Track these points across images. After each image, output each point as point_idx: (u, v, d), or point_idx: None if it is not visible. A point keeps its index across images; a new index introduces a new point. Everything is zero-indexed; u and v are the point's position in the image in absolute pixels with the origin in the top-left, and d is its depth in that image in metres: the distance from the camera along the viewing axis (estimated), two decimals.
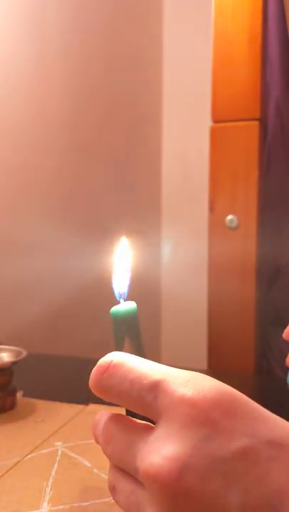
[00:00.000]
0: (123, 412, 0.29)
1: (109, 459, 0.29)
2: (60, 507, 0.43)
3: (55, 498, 0.44)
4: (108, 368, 0.27)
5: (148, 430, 0.26)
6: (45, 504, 0.43)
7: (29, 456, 0.52)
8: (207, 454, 0.23)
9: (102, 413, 0.31)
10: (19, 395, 0.67)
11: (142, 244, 1.69)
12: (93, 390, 0.28)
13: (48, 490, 0.45)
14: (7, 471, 0.48)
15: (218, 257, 1.24)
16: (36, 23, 1.11)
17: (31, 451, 0.52)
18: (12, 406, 0.64)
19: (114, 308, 0.31)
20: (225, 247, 1.23)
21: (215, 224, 1.24)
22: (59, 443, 0.54)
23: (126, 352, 0.30)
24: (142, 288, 1.65)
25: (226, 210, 1.22)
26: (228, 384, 0.27)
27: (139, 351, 0.31)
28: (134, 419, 0.28)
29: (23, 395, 0.68)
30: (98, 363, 0.28)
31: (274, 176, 1.39)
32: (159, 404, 0.25)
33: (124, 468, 0.27)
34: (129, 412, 0.29)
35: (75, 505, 0.43)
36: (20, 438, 0.56)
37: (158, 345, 1.78)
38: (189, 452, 0.23)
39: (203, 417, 0.24)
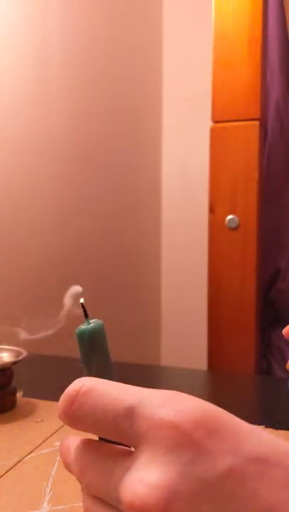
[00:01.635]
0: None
1: (86, 489, 0.26)
2: (60, 507, 0.43)
3: (55, 498, 0.44)
4: (77, 396, 0.25)
5: (127, 456, 0.25)
6: (45, 504, 0.43)
7: (29, 456, 0.52)
8: (193, 478, 0.22)
9: (70, 438, 0.29)
10: (19, 395, 0.67)
11: (141, 243, 1.70)
12: (63, 421, 0.26)
13: (48, 490, 0.45)
14: (7, 471, 0.49)
15: (218, 257, 1.24)
16: (37, 28, 1.11)
17: (31, 451, 0.53)
18: (12, 406, 0.64)
19: (80, 328, 0.29)
20: (225, 247, 1.23)
21: (215, 224, 1.24)
22: (59, 443, 0.54)
23: (94, 372, 0.28)
24: (142, 288, 1.66)
25: (226, 211, 1.22)
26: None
27: (108, 371, 0.29)
28: (109, 443, 0.26)
29: (23, 395, 0.68)
30: (66, 392, 0.26)
31: (274, 176, 1.39)
32: (137, 430, 0.24)
33: (104, 499, 0.25)
34: (102, 438, 0.27)
35: (75, 505, 0.43)
36: (20, 438, 0.56)
37: (158, 346, 1.78)
38: (175, 479, 0.22)
39: (186, 440, 0.22)
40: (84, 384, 0.26)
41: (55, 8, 1.17)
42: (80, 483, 0.27)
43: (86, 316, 0.30)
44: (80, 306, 0.31)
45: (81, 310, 0.30)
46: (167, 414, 0.23)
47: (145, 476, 0.22)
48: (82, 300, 0.31)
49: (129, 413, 0.24)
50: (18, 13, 1.05)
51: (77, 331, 0.29)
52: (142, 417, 0.24)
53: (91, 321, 0.29)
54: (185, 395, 0.25)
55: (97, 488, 0.25)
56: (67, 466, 0.28)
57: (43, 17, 1.13)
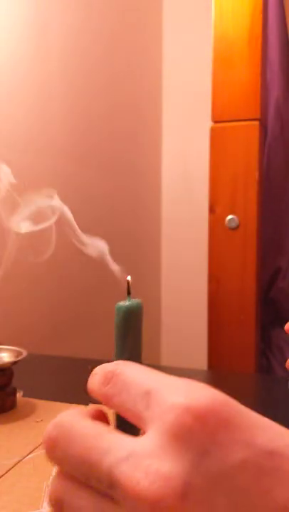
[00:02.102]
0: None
1: (58, 463, 0.24)
2: None
3: None
4: (112, 377, 0.26)
5: (124, 439, 0.23)
6: (45, 504, 0.43)
7: (29, 456, 0.52)
8: (208, 470, 0.21)
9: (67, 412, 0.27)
10: (19, 395, 0.68)
11: (141, 244, 1.70)
12: (95, 397, 0.27)
13: (48, 490, 0.45)
14: (7, 471, 0.49)
15: (218, 257, 1.24)
16: (37, 25, 1.11)
17: (31, 451, 0.53)
18: (12, 406, 0.64)
19: (119, 304, 0.31)
20: (225, 247, 1.23)
21: (215, 224, 1.24)
22: None
23: (126, 350, 0.30)
24: (142, 288, 1.66)
25: (226, 211, 1.22)
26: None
27: (138, 350, 0.31)
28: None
29: (23, 395, 0.68)
30: (102, 372, 0.26)
31: (274, 176, 1.39)
32: (150, 413, 0.23)
33: (86, 481, 0.23)
34: (121, 423, 0.27)
35: None
36: (20, 438, 0.56)
37: (158, 346, 1.78)
38: (190, 470, 0.21)
39: (198, 427, 0.22)
40: (119, 366, 0.26)
41: (55, 8, 1.17)
42: (49, 456, 0.24)
43: (128, 293, 0.31)
44: (126, 283, 0.32)
45: (126, 287, 0.32)
46: (179, 399, 0.22)
47: (158, 464, 0.21)
48: (129, 277, 0.32)
49: (146, 396, 0.24)
50: (20, 15, 1.05)
51: (116, 306, 0.30)
52: (156, 402, 0.23)
53: (132, 300, 0.31)
54: (202, 384, 0.24)
55: (79, 465, 0.23)
56: (45, 438, 0.25)
57: (44, 15, 1.13)
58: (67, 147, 1.24)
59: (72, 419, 0.25)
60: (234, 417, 0.22)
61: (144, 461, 0.21)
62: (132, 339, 0.30)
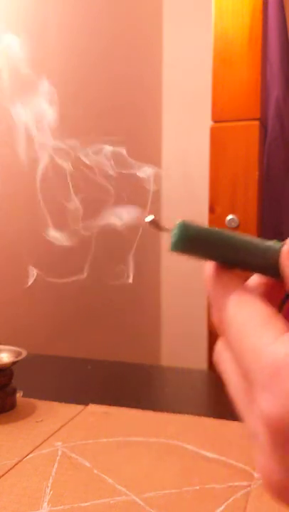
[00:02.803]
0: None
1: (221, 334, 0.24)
2: (60, 507, 0.42)
3: (55, 499, 0.44)
4: (224, 329, 0.24)
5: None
6: (45, 504, 0.43)
7: (29, 456, 0.52)
8: None
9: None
10: (19, 395, 0.67)
11: (140, 243, 1.69)
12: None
13: (48, 490, 0.45)
14: (7, 471, 0.48)
15: None
16: (37, 27, 1.11)
17: (31, 451, 0.52)
18: (12, 406, 0.64)
19: (172, 243, 0.24)
20: None
21: (215, 224, 1.23)
22: (59, 443, 0.54)
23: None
24: (142, 288, 1.66)
25: (226, 210, 1.22)
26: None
27: (235, 258, 0.25)
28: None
29: (23, 395, 0.68)
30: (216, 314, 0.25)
31: (274, 176, 1.39)
32: (252, 405, 0.22)
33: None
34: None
35: (75, 505, 0.43)
36: (20, 438, 0.56)
37: (158, 346, 1.78)
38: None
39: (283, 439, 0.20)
40: (227, 314, 0.24)
41: (54, 7, 1.17)
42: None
43: (163, 229, 0.26)
44: (153, 224, 0.26)
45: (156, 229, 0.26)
46: (265, 406, 0.20)
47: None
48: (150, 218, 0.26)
49: (248, 379, 0.22)
50: (16, 11, 1.05)
51: (171, 247, 0.25)
52: (254, 399, 0.21)
53: (174, 228, 0.25)
54: None
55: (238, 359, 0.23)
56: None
57: (42, 15, 1.13)
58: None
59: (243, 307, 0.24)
60: None
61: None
62: (220, 254, 0.24)
